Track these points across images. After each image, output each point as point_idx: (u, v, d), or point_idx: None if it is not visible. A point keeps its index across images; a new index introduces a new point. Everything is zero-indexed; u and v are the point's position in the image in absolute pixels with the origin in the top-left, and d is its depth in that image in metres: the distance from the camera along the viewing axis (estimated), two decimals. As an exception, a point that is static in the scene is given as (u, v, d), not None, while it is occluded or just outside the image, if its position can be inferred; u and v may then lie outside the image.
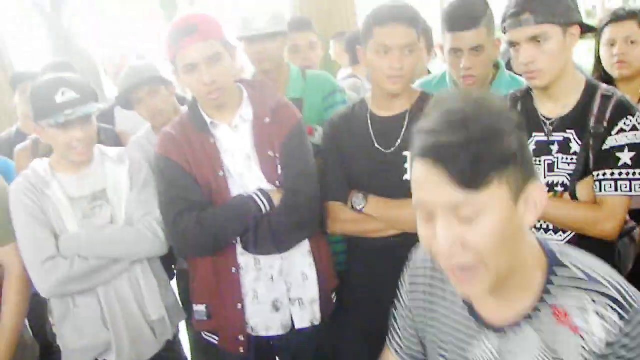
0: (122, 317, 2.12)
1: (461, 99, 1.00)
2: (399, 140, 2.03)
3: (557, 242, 1.15)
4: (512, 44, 1.86)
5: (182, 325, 2.65)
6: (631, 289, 1.02)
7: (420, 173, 0.99)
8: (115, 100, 2.69)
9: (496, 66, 2.42)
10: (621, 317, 0.99)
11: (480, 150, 0.93)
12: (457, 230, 0.98)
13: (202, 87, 1.94)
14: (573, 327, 1.03)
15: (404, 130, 2.03)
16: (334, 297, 2.23)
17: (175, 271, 2.80)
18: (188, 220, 1.97)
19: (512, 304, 1.09)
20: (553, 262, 1.08)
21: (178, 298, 2.59)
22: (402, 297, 1.38)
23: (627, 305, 0.99)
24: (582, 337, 1.02)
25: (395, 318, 1.40)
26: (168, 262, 2.59)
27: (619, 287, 1.02)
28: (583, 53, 2.97)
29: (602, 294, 1.01)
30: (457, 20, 2.20)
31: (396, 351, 1.40)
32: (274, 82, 2.45)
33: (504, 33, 1.89)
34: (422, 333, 1.32)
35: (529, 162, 1.01)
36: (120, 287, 2.12)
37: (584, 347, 1.02)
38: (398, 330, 1.39)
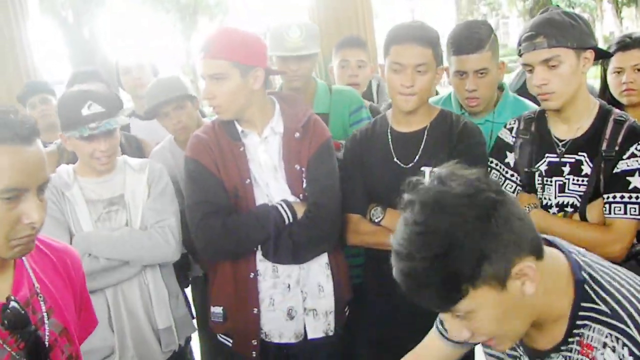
0: (128, 321, 2.15)
1: (419, 209, 1.05)
2: (417, 156, 2.08)
3: (591, 263, 1.16)
4: (527, 67, 1.91)
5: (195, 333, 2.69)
6: None
7: None
8: (144, 115, 2.74)
9: (501, 88, 2.47)
10: (631, 353, 1.03)
11: (435, 282, 1.01)
12: (460, 324, 1.10)
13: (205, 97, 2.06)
14: (594, 359, 1.08)
15: (422, 146, 2.08)
16: (346, 310, 2.26)
17: (190, 279, 2.84)
18: (214, 224, 2.02)
19: (545, 333, 1.17)
20: (580, 296, 1.11)
21: (192, 308, 2.63)
22: None
23: None
24: None
25: None
26: (183, 269, 2.63)
27: None
28: (589, 79, 3.01)
29: (622, 331, 1.05)
30: (462, 44, 2.26)
31: (442, 335, 1.45)
32: (303, 98, 2.48)
33: (520, 56, 1.94)
34: None
35: (509, 241, 1.02)
36: (129, 291, 2.16)
37: None
38: None
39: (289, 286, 2.12)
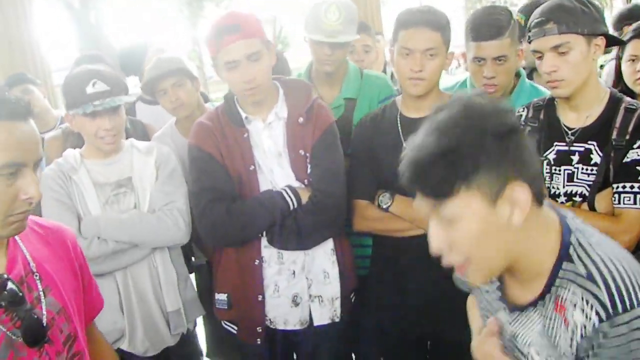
0: (138, 305, 2.16)
1: (445, 112, 1.12)
2: None
3: (583, 229, 1.19)
4: (537, 53, 1.88)
5: (199, 318, 2.69)
6: (631, 290, 1.06)
7: None
8: (141, 89, 2.72)
9: (517, 75, 2.44)
10: (600, 320, 1.05)
11: (436, 168, 1.06)
12: (442, 232, 1.12)
13: (242, 84, 1.99)
14: (566, 319, 1.11)
15: None
16: (352, 297, 2.26)
17: (194, 266, 2.84)
18: (218, 210, 2.01)
19: (525, 287, 1.20)
20: (563, 257, 1.14)
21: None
22: None
23: (611, 309, 1.05)
24: (570, 329, 1.10)
25: None
26: (186, 257, 2.63)
27: (614, 289, 1.06)
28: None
29: (593, 294, 1.07)
30: (482, 30, 2.22)
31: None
32: (333, 80, 2.47)
33: (529, 42, 1.91)
34: None
35: (511, 163, 1.07)
36: (138, 275, 2.16)
37: (571, 339, 1.11)
38: None
39: (293, 272, 2.11)
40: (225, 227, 2.03)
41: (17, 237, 1.29)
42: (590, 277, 1.09)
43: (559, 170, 1.91)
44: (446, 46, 2.03)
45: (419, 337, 2.18)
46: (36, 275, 1.28)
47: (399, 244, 2.11)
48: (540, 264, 1.15)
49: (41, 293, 1.28)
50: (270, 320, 2.14)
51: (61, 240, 1.40)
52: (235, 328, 2.20)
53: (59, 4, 11.88)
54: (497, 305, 1.31)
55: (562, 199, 1.90)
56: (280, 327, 2.15)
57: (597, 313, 1.05)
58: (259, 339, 2.14)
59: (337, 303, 2.17)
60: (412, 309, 2.10)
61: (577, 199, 1.88)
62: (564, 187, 1.90)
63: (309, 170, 2.09)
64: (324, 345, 2.21)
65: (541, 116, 1.98)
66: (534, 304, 1.18)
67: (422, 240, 2.02)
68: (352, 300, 2.26)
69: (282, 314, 2.13)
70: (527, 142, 1.11)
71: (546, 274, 1.15)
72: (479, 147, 1.05)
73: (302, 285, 2.12)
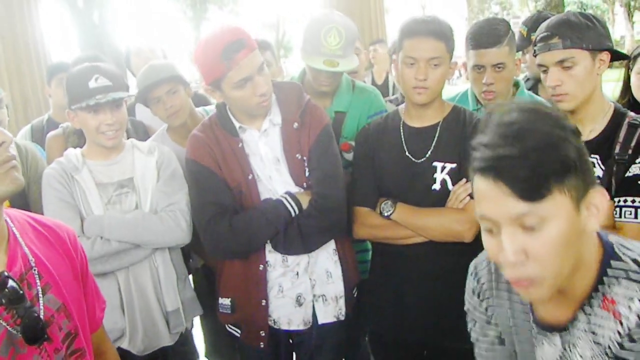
0: (138, 304, 2.16)
1: (515, 110, 1.03)
2: (429, 151, 2.07)
3: (616, 235, 1.18)
4: (541, 67, 1.89)
5: (197, 320, 2.69)
6: None
7: (482, 187, 1.04)
8: (134, 98, 2.72)
9: (516, 85, 2.50)
10: None
11: (538, 161, 0.98)
12: (521, 239, 1.03)
13: (256, 98, 1.97)
14: (616, 313, 1.07)
15: (434, 141, 2.07)
16: (354, 292, 2.25)
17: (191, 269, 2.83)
18: (221, 225, 2.01)
19: (570, 298, 1.13)
20: (610, 256, 1.11)
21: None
22: (473, 307, 1.42)
23: None
24: (620, 322, 1.06)
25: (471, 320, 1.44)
26: (184, 257, 2.62)
27: None
28: (613, 82, 2.97)
29: None
30: (481, 38, 2.29)
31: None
32: (324, 93, 2.45)
33: (535, 56, 1.92)
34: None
35: (588, 168, 1.05)
36: (139, 275, 2.17)
37: (618, 331, 1.06)
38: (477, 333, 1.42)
39: (297, 273, 2.12)
40: (229, 243, 2.03)
41: (17, 234, 1.29)
42: None
43: None
44: (450, 55, 2.04)
45: (416, 344, 2.18)
46: (35, 271, 1.28)
47: (398, 251, 2.11)
48: (587, 271, 1.11)
49: (39, 290, 1.28)
50: (274, 320, 2.15)
51: (61, 238, 1.40)
52: (239, 331, 2.21)
53: (63, 3, 11.89)
54: (533, 335, 1.23)
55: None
56: (284, 327, 2.15)
57: None
58: (262, 343, 2.14)
59: (342, 302, 2.17)
60: (410, 316, 2.10)
61: (579, 212, 1.89)
62: None
63: (307, 174, 2.09)
64: (325, 345, 2.21)
65: None
66: (581, 309, 1.12)
67: (421, 247, 2.06)
68: (355, 295, 2.25)
69: (285, 314, 2.14)
70: None
71: (592, 277, 1.11)
72: (571, 144, 1.01)
73: (306, 286, 2.13)
